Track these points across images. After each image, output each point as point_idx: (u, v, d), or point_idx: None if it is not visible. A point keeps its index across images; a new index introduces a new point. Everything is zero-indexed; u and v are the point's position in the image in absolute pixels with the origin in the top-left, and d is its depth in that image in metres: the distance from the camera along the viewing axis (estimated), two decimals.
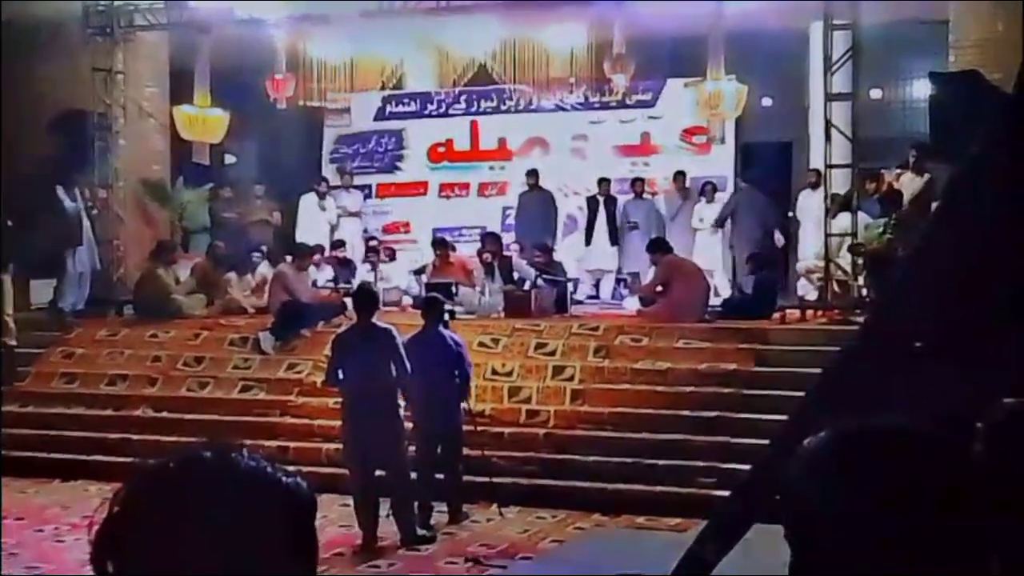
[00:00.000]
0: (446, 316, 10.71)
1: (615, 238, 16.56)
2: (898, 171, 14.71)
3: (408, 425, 9.72)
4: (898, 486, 1.41)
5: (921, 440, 1.45)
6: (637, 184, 16.61)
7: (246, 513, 1.30)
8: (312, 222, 17.17)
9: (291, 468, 1.38)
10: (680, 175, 16.48)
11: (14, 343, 13.99)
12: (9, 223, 14.14)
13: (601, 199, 16.55)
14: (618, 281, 16.75)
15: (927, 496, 1.40)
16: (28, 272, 15.10)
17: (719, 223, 16.00)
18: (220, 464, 1.34)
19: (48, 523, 10.15)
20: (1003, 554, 1.59)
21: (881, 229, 13.29)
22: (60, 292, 15.36)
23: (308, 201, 17.46)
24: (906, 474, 1.42)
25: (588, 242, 16.70)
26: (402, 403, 9.67)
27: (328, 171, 18.82)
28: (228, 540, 1.28)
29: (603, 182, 16.58)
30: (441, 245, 15.55)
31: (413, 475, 9.72)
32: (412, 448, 9.84)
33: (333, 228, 17.40)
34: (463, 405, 10.22)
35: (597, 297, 16.58)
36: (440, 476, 10.05)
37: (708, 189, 16.30)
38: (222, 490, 1.31)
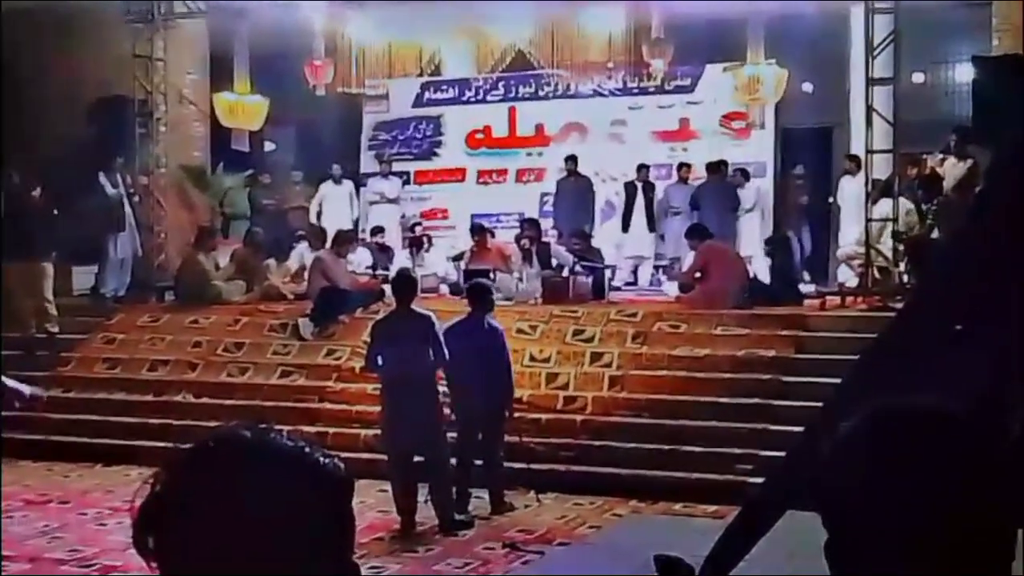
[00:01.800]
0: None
1: (653, 224, 16.52)
2: (941, 156, 14.57)
3: (447, 411, 9.75)
4: (933, 468, 1.40)
5: (958, 422, 1.45)
6: (683, 169, 16.52)
7: (284, 492, 1.31)
8: (328, 208, 17.22)
9: (332, 453, 1.40)
10: (722, 164, 16.37)
11: (56, 329, 14.15)
12: (56, 211, 14.29)
13: (639, 185, 16.51)
14: (656, 268, 16.71)
15: (962, 477, 1.40)
16: (70, 258, 15.26)
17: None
18: (259, 443, 1.35)
19: (91, 507, 10.26)
20: None
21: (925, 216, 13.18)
22: (102, 278, 15.51)
23: (326, 188, 17.52)
24: (942, 456, 1.41)
25: (626, 228, 16.66)
26: (441, 389, 9.70)
27: (366, 157, 18.88)
28: (266, 519, 1.30)
29: (642, 168, 16.54)
30: (479, 231, 15.56)
31: (452, 461, 9.74)
32: (452, 434, 9.85)
33: (357, 214, 17.48)
34: (502, 397, 10.16)
35: (635, 284, 16.55)
36: (479, 463, 10.05)
37: (739, 176, 16.24)
38: (261, 469, 1.32)
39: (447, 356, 9.64)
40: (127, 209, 15.67)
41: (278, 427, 1.39)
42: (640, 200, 16.47)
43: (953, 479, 1.40)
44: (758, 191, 16.40)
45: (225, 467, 1.33)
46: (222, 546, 1.29)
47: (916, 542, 1.39)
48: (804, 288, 14.42)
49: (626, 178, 16.93)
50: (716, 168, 16.05)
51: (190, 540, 1.30)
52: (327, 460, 1.36)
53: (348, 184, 17.71)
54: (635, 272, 16.90)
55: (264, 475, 1.32)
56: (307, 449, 1.36)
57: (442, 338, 9.54)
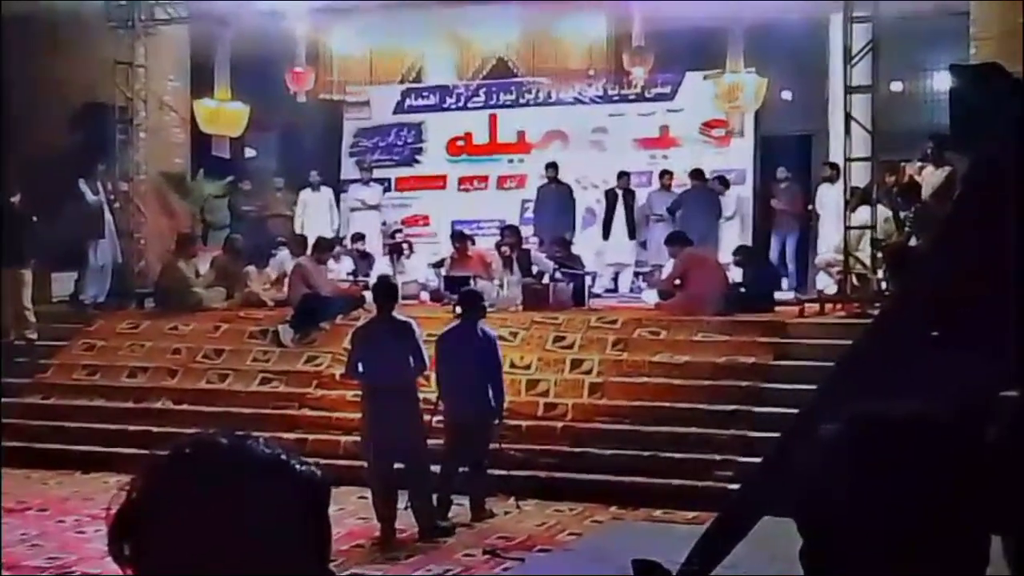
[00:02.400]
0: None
1: (633, 232, 16.55)
2: (919, 164, 14.65)
3: (427, 417, 9.75)
4: (910, 473, 1.41)
5: (935, 427, 1.46)
6: (665, 177, 16.53)
7: (260, 498, 1.32)
8: (308, 215, 17.19)
9: (309, 460, 1.40)
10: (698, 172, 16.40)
11: (35, 336, 14.09)
12: (35, 218, 14.23)
13: (620, 192, 16.54)
14: (636, 275, 16.74)
15: (939, 482, 1.41)
16: (49, 265, 15.19)
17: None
18: (235, 450, 1.35)
19: (69, 514, 10.22)
20: (1018, 538, 1.60)
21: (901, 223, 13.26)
22: (82, 285, 15.45)
23: (305, 195, 17.51)
24: (919, 461, 1.42)
25: (606, 236, 16.68)
26: (422, 396, 9.70)
27: (347, 164, 18.87)
28: (242, 525, 1.30)
29: (622, 175, 16.56)
30: (460, 238, 15.57)
31: (435, 468, 9.73)
32: (436, 441, 9.84)
33: (339, 221, 17.46)
34: (494, 404, 10.17)
35: (615, 291, 16.57)
36: (465, 470, 10.05)
37: (717, 183, 16.31)
38: (237, 475, 1.33)
39: (428, 363, 9.67)
40: (107, 216, 15.61)
41: (255, 434, 1.39)
42: (620, 207, 16.50)
43: (930, 484, 1.41)
44: (739, 199, 16.46)
45: (201, 474, 1.33)
46: (198, 553, 1.29)
47: (892, 547, 1.40)
48: (784, 295, 14.47)
49: (607, 185, 16.96)
50: (698, 175, 16.09)
51: (166, 547, 1.30)
52: (303, 467, 1.37)
53: (327, 191, 17.69)
54: (616, 279, 16.92)
55: (240, 482, 1.32)
56: (283, 456, 1.36)
57: (423, 344, 9.56)
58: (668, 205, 16.24)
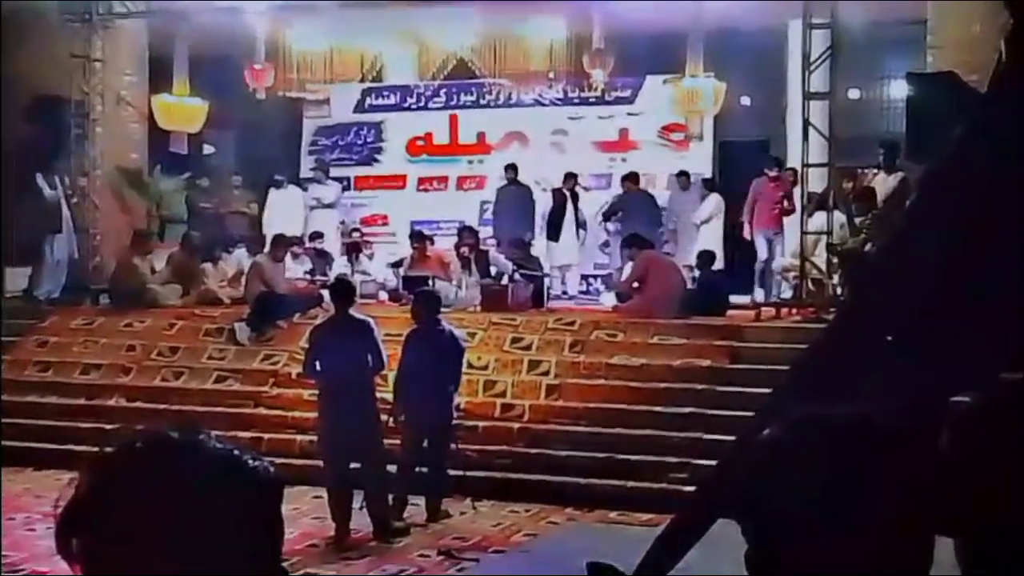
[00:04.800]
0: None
1: (579, 233, 16.50)
2: (875, 171, 14.77)
3: (384, 417, 9.72)
4: (855, 477, 1.42)
5: (881, 432, 1.47)
6: (632, 178, 16.42)
7: (212, 494, 1.31)
8: (275, 215, 17.09)
9: (263, 458, 1.39)
10: (684, 175, 16.40)
11: None
12: None
13: (567, 193, 16.45)
14: (583, 277, 16.73)
15: (885, 487, 1.42)
16: (3, 259, 15.02)
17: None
18: (186, 445, 1.34)
19: (20, 511, 10.10)
20: (966, 542, 1.62)
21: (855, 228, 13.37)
22: (36, 280, 15.29)
23: (274, 195, 17.41)
24: (868, 465, 1.43)
25: (556, 237, 16.47)
26: (379, 395, 9.67)
27: (307, 162, 18.78)
28: (192, 521, 1.29)
29: (569, 177, 16.49)
30: (419, 238, 15.53)
31: (391, 468, 9.71)
32: (393, 441, 9.81)
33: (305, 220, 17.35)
34: (455, 402, 10.20)
35: (565, 293, 16.42)
36: (423, 470, 10.03)
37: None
38: (188, 471, 1.31)
39: (386, 362, 9.64)
40: (65, 211, 15.46)
41: (207, 430, 1.38)
42: (569, 209, 16.36)
43: (877, 489, 1.42)
44: (718, 202, 16.20)
45: (151, 469, 1.32)
46: (147, 550, 1.28)
47: (837, 551, 1.41)
48: (741, 299, 14.51)
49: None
50: (634, 178, 16.11)
51: (114, 544, 1.29)
52: (256, 463, 1.36)
53: (294, 190, 17.55)
54: (563, 281, 16.79)
55: (191, 477, 1.31)
56: (235, 452, 1.35)
57: (381, 343, 9.54)
58: (604, 210, 16.26)
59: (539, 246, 16.30)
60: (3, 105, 15.30)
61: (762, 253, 15.45)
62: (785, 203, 14.98)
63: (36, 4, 15.38)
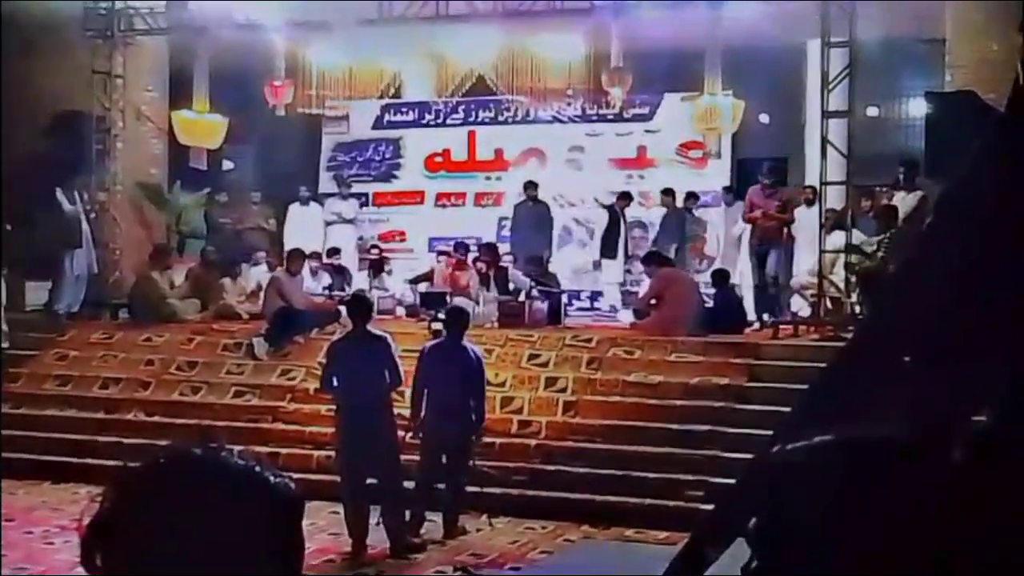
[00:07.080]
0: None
1: (617, 252, 16.50)
2: (889, 190, 14.73)
3: (401, 432, 9.73)
4: (874, 496, 1.42)
5: (901, 452, 1.47)
6: (667, 196, 16.39)
7: (233, 510, 1.32)
8: (296, 230, 17.15)
9: (283, 473, 1.40)
10: (669, 191, 16.39)
11: (6, 345, 14.00)
12: (8, 227, 14.14)
13: (620, 211, 16.41)
14: (594, 294, 16.76)
15: (904, 506, 1.42)
16: (24, 274, 15.10)
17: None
18: (209, 462, 1.36)
19: (38, 525, 10.14)
20: (980, 561, 1.61)
21: (875, 247, 13.32)
22: (56, 294, 15.35)
23: (294, 210, 17.51)
24: (884, 484, 1.43)
25: (613, 255, 16.31)
26: (397, 411, 9.68)
27: (325, 178, 18.85)
28: (215, 538, 1.30)
29: (624, 196, 16.46)
30: (458, 251, 15.53)
31: (409, 484, 9.71)
32: (411, 457, 9.81)
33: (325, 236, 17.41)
34: (484, 422, 10.18)
35: (615, 310, 16.33)
36: (441, 486, 10.03)
37: (728, 195, 16.38)
38: (210, 487, 1.33)
39: (403, 378, 9.65)
40: (84, 226, 15.54)
41: (229, 446, 1.39)
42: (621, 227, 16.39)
43: (893, 508, 1.42)
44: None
45: (175, 485, 1.33)
46: (171, 564, 1.29)
47: (851, 568, 1.41)
48: (758, 316, 14.47)
49: (584, 204, 17.01)
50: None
51: (138, 558, 1.30)
52: (277, 479, 1.37)
53: (316, 207, 17.65)
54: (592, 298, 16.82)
55: (214, 494, 1.33)
56: (257, 468, 1.37)
57: (398, 359, 9.56)
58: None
59: (560, 263, 16.31)
60: (23, 121, 15.41)
61: (770, 269, 15.32)
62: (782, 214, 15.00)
63: (57, 18, 15.47)
